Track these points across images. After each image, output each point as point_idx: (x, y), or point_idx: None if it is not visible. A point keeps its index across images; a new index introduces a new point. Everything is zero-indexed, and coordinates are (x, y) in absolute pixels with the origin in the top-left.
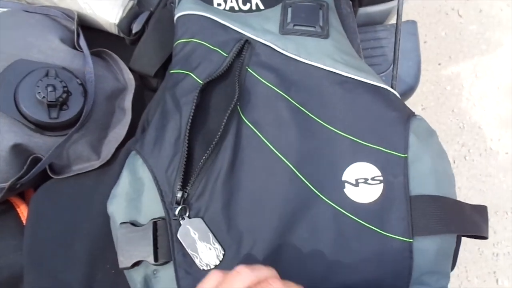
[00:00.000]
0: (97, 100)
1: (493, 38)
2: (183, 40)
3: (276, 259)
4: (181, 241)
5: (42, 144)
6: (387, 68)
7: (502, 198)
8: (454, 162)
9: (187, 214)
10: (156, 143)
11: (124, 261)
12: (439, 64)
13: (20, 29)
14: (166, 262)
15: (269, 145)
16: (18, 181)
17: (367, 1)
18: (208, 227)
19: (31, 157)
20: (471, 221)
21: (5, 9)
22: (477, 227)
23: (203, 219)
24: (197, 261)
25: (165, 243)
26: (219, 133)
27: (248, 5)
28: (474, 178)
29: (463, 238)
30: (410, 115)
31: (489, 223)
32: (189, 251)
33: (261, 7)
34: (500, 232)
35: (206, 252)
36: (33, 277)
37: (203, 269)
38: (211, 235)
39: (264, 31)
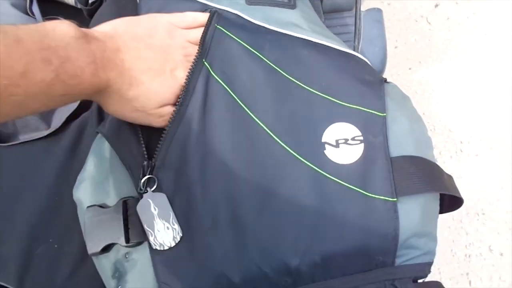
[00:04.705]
0: None
1: (460, 44)
2: None
3: (257, 227)
4: (139, 214)
5: None
6: (357, 49)
7: (473, 200)
8: None
9: (154, 187)
10: (120, 120)
11: (93, 246)
12: (410, 69)
13: None
14: (139, 243)
15: (243, 105)
16: None
17: None
18: (171, 205)
19: None
20: (449, 183)
21: None
22: (455, 189)
23: (169, 193)
24: (151, 239)
25: (138, 222)
26: (182, 93)
27: None
28: None
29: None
30: (383, 79)
31: (461, 225)
32: (145, 226)
33: None
34: (472, 233)
35: (162, 231)
36: None
37: (156, 249)
38: (172, 213)
39: (231, 2)
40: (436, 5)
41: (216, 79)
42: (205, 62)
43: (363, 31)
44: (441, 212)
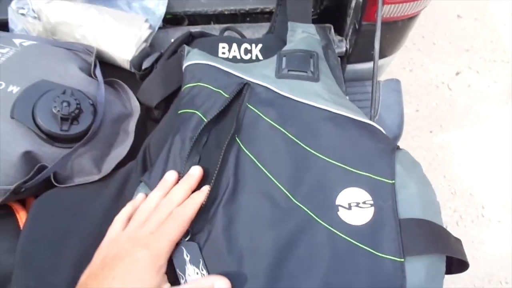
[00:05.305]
0: (105, 120)
1: (481, 110)
2: (190, 85)
3: (275, 278)
4: (173, 260)
5: (50, 154)
6: (373, 118)
7: (495, 267)
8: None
9: (188, 237)
10: (163, 173)
11: None
12: (431, 132)
13: (45, 58)
14: (172, 283)
15: (267, 173)
16: (23, 185)
17: (354, 59)
18: (201, 253)
19: (38, 165)
20: (455, 247)
21: (34, 42)
22: (461, 253)
23: (201, 243)
24: (182, 282)
25: (171, 265)
26: (218, 164)
27: (249, 55)
28: (466, 244)
29: None
30: (395, 147)
31: None
32: (177, 270)
33: (260, 58)
34: None
35: (192, 275)
36: (21, 276)
37: None
38: (201, 260)
39: (263, 76)
40: (458, 73)
41: (245, 152)
42: (237, 138)
43: (382, 98)
44: (449, 272)
